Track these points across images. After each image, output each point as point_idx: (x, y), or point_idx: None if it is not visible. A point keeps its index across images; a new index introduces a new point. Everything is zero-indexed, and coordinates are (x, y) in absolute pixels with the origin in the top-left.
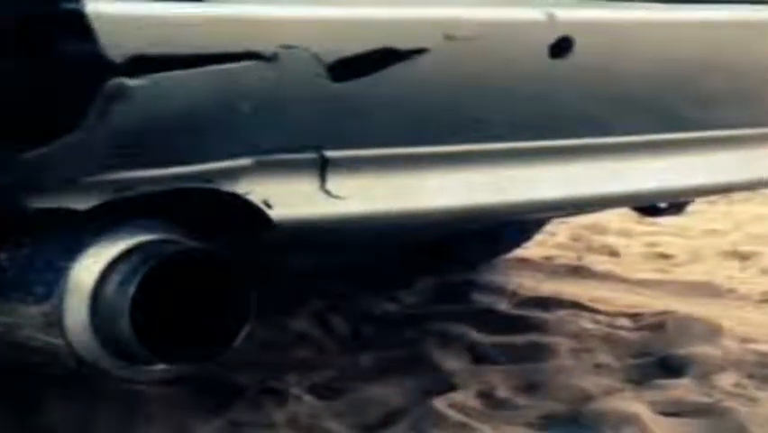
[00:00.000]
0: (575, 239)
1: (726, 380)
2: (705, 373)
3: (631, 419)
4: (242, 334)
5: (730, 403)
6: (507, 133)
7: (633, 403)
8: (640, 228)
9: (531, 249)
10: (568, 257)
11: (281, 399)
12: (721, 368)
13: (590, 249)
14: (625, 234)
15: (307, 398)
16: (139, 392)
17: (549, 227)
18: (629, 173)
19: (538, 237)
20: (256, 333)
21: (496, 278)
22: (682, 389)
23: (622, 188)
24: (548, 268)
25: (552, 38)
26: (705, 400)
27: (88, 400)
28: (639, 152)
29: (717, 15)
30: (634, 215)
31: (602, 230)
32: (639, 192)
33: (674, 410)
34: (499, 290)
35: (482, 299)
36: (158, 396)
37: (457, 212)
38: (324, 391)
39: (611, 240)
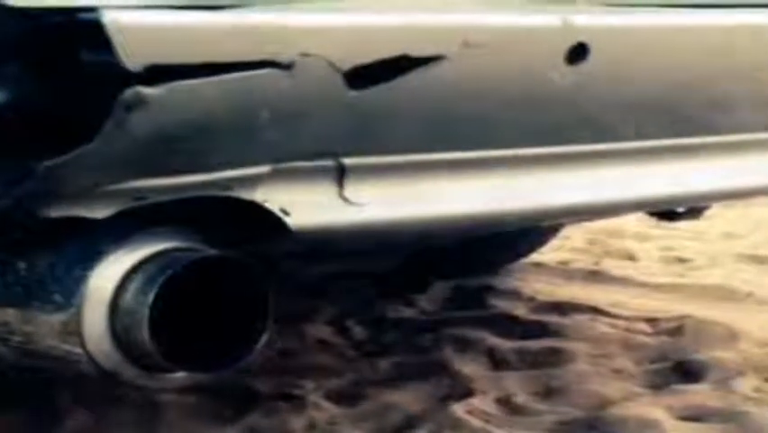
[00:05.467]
0: (592, 243)
1: (746, 384)
2: (724, 377)
3: (651, 425)
4: (261, 342)
5: (750, 408)
6: (524, 139)
7: (652, 409)
8: (657, 232)
9: (547, 254)
10: (585, 261)
11: (299, 405)
12: (740, 373)
13: (607, 253)
14: (641, 238)
15: (326, 404)
16: (156, 399)
17: (565, 232)
18: (647, 178)
19: (554, 242)
20: (274, 339)
21: (512, 283)
22: (702, 394)
23: (640, 194)
24: (565, 272)
25: (568, 43)
26: (725, 404)
27: (107, 407)
28: (657, 157)
29: (735, 19)
30: (650, 219)
31: (619, 234)
32: (657, 197)
33: (694, 415)
34: (516, 295)
35: (499, 304)
36: (175, 402)
37: (474, 219)
38: (342, 398)
39: (628, 244)
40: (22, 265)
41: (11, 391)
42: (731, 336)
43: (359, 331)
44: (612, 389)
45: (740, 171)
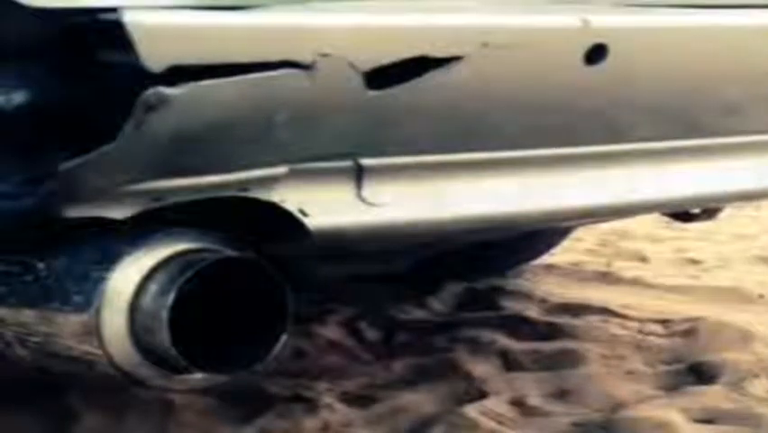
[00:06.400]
0: (603, 245)
1: (760, 386)
2: (737, 379)
3: (664, 427)
4: (280, 343)
5: (763, 409)
6: (543, 140)
7: (666, 410)
8: (668, 233)
9: (558, 255)
10: (596, 263)
11: (312, 407)
12: (754, 374)
13: (619, 255)
14: (653, 239)
15: (339, 406)
16: (170, 401)
17: (576, 233)
18: (666, 179)
19: (566, 243)
20: (287, 341)
21: (524, 284)
22: (715, 395)
23: (656, 195)
24: (576, 274)
25: (587, 44)
26: (738, 406)
27: (120, 408)
28: (676, 158)
29: (755, 20)
30: (662, 220)
31: (630, 236)
32: (675, 198)
33: (708, 417)
34: (528, 297)
35: (511, 306)
36: (189, 404)
37: (492, 219)
38: (355, 399)
39: (639, 245)
40: (41, 266)
41: (25, 392)
42: (744, 338)
43: (371, 333)
44: (625, 390)
45: (760, 172)
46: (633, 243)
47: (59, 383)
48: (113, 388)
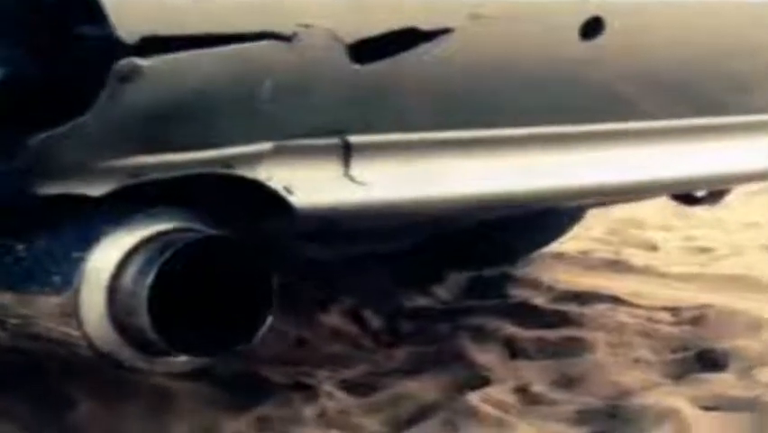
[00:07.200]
0: (612, 233)
1: None
2: (746, 367)
3: (671, 414)
4: (264, 325)
5: None
6: (535, 118)
7: (673, 398)
8: (678, 222)
9: (566, 243)
10: (605, 251)
11: (312, 395)
12: (762, 362)
13: (628, 243)
14: (663, 227)
15: (339, 394)
16: (168, 388)
17: (585, 221)
18: (663, 159)
19: (574, 231)
20: (288, 329)
21: (532, 272)
22: (723, 383)
23: (656, 175)
24: (585, 262)
25: (583, 18)
26: (746, 394)
27: (117, 396)
28: (673, 138)
29: None
30: (671, 208)
31: (639, 224)
32: (674, 179)
33: (715, 405)
34: (535, 285)
35: (518, 294)
36: (187, 391)
37: (484, 199)
38: (356, 387)
39: (649, 233)
40: (20, 247)
41: (22, 381)
42: (753, 326)
43: (375, 320)
44: (632, 378)
45: (760, 153)
46: (643, 231)
47: (55, 370)
48: (108, 376)
